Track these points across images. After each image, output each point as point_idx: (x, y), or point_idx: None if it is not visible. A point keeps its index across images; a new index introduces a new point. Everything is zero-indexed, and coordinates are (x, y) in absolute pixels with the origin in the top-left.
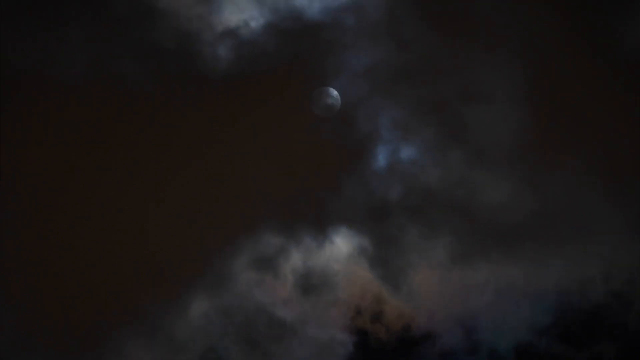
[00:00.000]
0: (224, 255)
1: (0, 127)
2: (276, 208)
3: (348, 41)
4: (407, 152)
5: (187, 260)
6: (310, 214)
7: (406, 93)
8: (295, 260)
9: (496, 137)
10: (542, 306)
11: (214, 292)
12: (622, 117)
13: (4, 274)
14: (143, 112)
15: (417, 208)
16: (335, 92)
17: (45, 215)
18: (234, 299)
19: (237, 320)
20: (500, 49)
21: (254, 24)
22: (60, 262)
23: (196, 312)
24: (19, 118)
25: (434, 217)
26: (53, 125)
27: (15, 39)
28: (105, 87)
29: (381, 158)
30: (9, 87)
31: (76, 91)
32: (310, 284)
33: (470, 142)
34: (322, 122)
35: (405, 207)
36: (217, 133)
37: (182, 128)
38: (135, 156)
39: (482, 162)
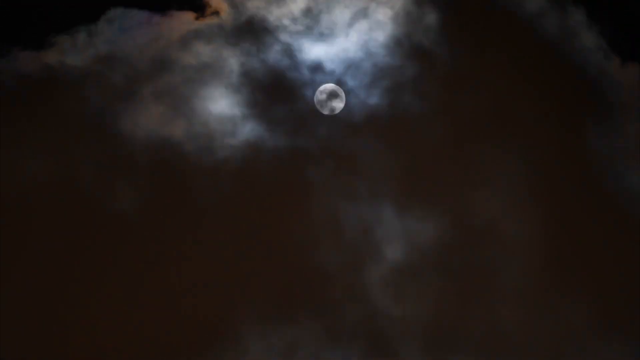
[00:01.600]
0: None
1: None
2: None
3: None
4: (410, 274)
5: None
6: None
7: (411, 218)
8: None
9: (501, 268)
10: None
11: None
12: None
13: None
14: (126, 228)
15: (417, 331)
16: (339, 90)
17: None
18: None
19: None
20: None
21: (242, 135)
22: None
23: None
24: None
25: (434, 342)
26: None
27: None
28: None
29: (381, 275)
30: None
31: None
32: None
33: (473, 274)
34: (320, 241)
35: (404, 328)
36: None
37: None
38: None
39: (486, 291)
